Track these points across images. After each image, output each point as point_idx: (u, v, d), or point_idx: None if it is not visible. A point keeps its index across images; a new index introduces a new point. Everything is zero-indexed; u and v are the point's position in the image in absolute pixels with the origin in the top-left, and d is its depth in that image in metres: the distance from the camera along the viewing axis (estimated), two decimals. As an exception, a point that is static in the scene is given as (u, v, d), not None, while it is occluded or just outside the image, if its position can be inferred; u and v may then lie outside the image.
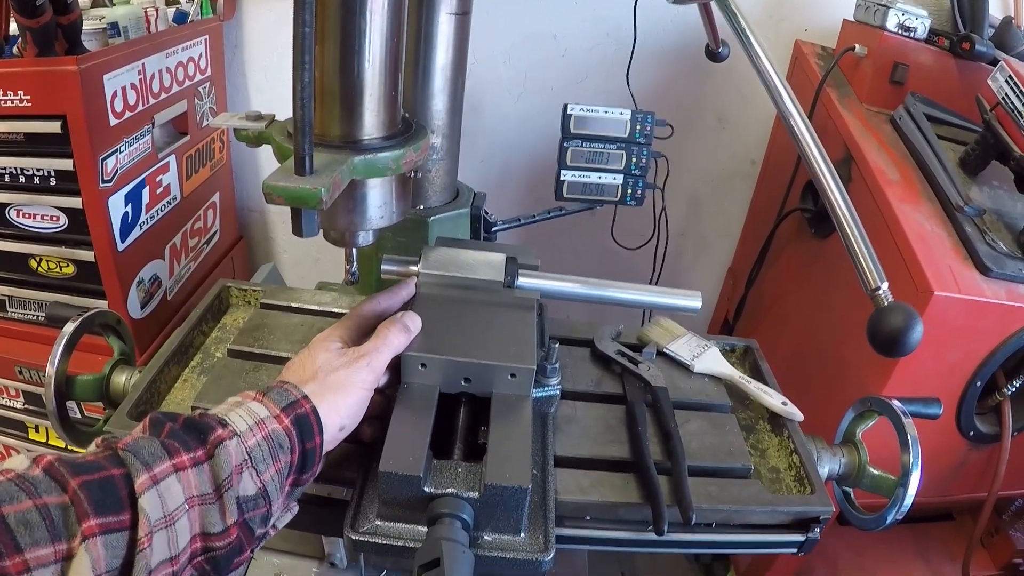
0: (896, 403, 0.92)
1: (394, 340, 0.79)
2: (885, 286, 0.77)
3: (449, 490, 0.71)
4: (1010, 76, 1.29)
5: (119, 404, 0.92)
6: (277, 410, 0.69)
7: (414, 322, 0.82)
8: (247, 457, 0.64)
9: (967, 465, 1.48)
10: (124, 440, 0.61)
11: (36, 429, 1.77)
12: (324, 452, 0.72)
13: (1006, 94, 1.30)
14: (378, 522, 0.73)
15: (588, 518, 0.83)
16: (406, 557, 0.71)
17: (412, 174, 0.86)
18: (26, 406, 1.72)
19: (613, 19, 1.90)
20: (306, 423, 0.69)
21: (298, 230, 0.71)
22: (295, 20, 0.62)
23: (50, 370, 0.91)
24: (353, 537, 0.72)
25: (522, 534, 0.73)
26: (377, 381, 0.77)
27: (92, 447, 0.62)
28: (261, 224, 2.39)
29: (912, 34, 1.59)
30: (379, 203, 0.83)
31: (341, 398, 0.73)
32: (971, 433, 1.40)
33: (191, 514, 0.60)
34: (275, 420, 0.68)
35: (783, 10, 1.90)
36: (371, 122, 0.80)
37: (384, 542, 0.72)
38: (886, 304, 0.76)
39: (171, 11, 1.78)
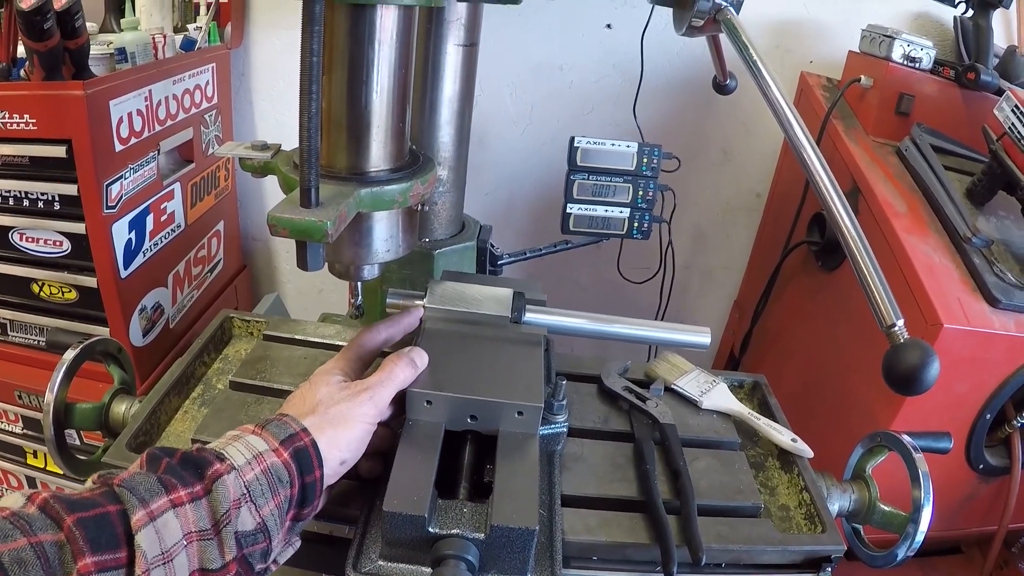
0: (906, 438, 0.91)
1: (400, 374, 0.77)
2: (901, 323, 0.75)
3: (454, 531, 0.70)
4: (1016, 106, 1.30)
5: (118, 434, 0.90)
6: (276, 443, 0.67)
7: (421, 358, 0.80)
8: (245, 491, 0.63)
9: (976, 498, 1.46)
10: (120, 476, 0.60)
11: (34, 454, 1.75)
12: (325, 486, 0.71)
13: (1012, 124, 1.31)
14: (381, 562, 0.71)
15: (595, 559, 0.81)
16: (410, 599, 0.70)
17: (419, 207, 0.85)
18: (25, 431, 1.70)
19: (620, 51, 1.91)
20: (305, 456, 0.68)
21: (303, 263, 0.70)
22: (303, 49, 0.62)
23: (49, 397, 0.90)
24: (355, 577, 0.70)
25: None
26: (380, 415, 0.76)
27: (88, 483, 0.61)
28: (265, 253, 2.38)
29: (917, 65, 1.60)
30: (385, 236, 0.83)
31: (342, 432, 0.72)
32: (980, 466, 1.39)
33: (189, 550, 0.59)
34: (274, 453, 0.67)
35: (788, 41, 1.92)
36: (378, 154, 0.79)
37: (387, 583, 0.70)
38: (902, 341, 0.75)
39: (179, 38, 1.79)
